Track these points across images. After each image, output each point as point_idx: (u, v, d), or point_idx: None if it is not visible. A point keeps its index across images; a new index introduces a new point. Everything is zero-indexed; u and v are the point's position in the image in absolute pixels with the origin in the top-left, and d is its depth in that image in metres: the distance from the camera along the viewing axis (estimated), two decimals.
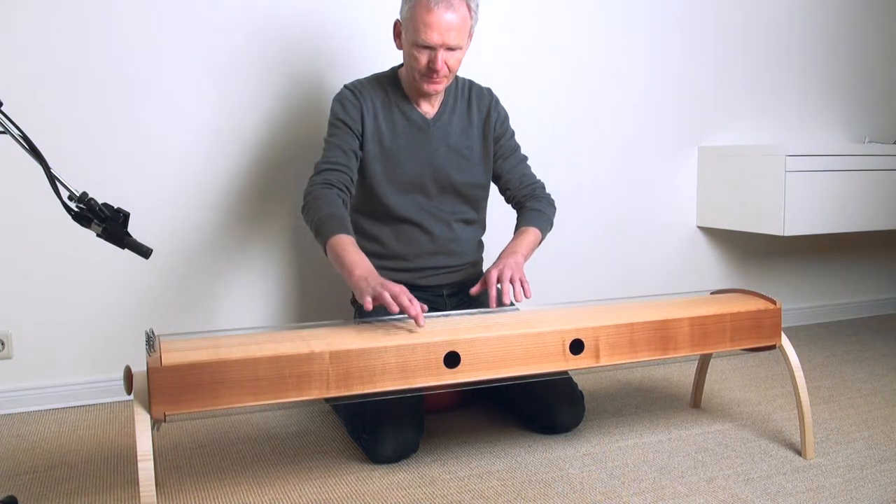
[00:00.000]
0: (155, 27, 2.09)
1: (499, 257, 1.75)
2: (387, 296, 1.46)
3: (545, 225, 1.90)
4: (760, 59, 2.93)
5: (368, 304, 1.47)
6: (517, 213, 1.96)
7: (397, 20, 1.82)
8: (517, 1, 2.50)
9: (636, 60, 2.71)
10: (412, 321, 1.47)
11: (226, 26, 2.16)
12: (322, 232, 1.65)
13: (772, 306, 1.69)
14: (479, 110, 1.95)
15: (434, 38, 1.71)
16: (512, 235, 1.87)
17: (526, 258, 1.78)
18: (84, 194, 1.28)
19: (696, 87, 2.82)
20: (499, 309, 1.66)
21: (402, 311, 1.45)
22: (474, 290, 1.68)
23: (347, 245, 1.61)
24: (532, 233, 1.85)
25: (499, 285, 1.64)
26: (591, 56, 2.64)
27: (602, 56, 2.65)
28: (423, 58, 1.75)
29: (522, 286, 1.63)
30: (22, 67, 1.98)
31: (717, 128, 2.88)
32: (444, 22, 1.70)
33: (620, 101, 2.70)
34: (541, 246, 2.55)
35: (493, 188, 2.05)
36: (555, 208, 1.97)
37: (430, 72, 1.76)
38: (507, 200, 2.01)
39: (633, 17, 2.69)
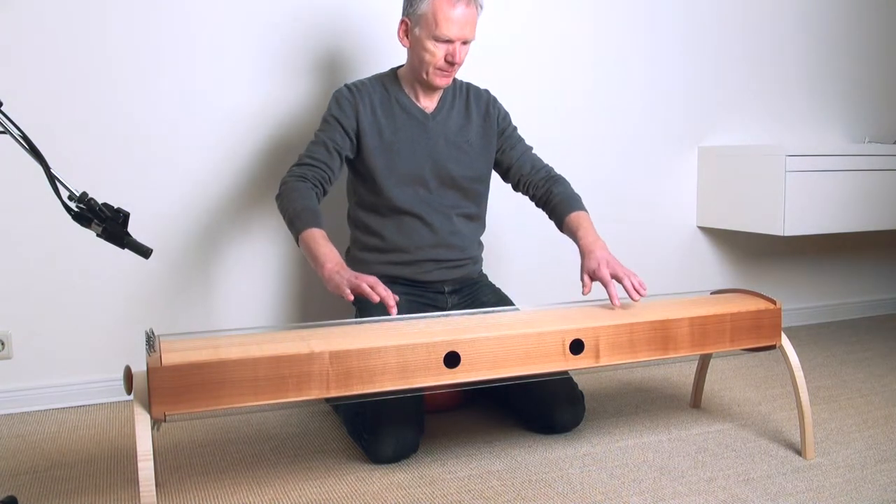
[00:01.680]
0: (156, 27, 2.09)
1: (589, 251, 1.76)
2: (365, 286, 1.52)
3: (583, 205, 1.94)
4: (760, 59, 2.93)
5: (349, 296, 1.53)
6: (545, 200, 1.97)
7: (404, 19, 1.84)
8: (516, 1, 2.50)
9: (636, 61, 2.71)
10: (409, 321, 1.50)
11: (228, 26, 2.16)
12: (295, 224, 1.70)
13: (772, 306, 1.69)
14: (478, 107, 1.98)
15: (454, 31, 1.78)
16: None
17: None
18: (84, 194, 1.28)
19: (696, 87, 2.82)
20: (499, 309, 1.67)
21: (382, 301, 1.51)
22: (586, 290, 1.71)
23: (319, 238, 1.66)
24: (586, 217, 1.89)
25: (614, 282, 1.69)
26: (591, 57, 2.64)
27: (602, 56, 2.65)
28: (441, 51, 1.80)
29: (639, 283, 1.68)
30: (22, 67, 1.98)
31: (717, 128, 2.88)
32: (462, 16, 1.78)
33: (620, 102, 2.70)
34: (540, 246, 2.57)
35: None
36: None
37: (447, 65, 1.81)
38: (524, 190, 2.02)
39: (633, 17, 2.69)
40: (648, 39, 2.72)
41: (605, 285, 1.68)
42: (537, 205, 2.00)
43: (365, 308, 1.85)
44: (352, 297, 1.53)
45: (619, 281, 1.68)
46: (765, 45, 2.93)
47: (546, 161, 2.05)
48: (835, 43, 3.07)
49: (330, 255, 1.62)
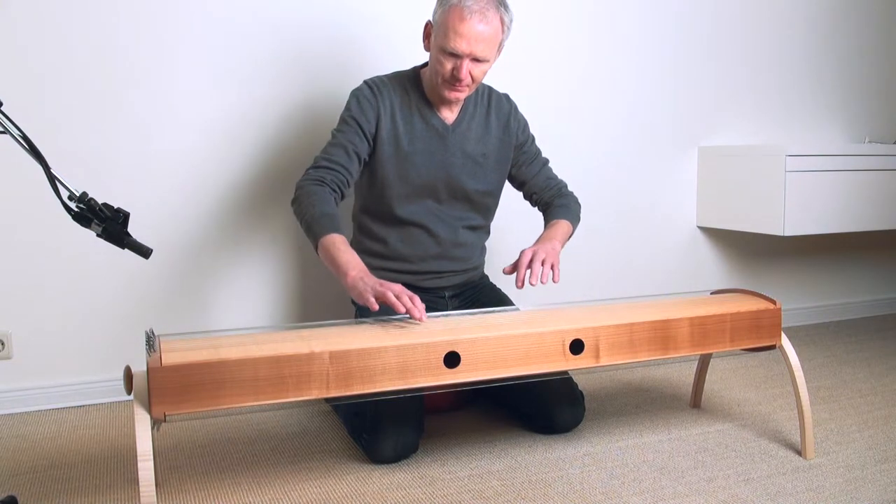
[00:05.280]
0: (156, 26, 2.09)
1: (535, 243, 1.77)
2: (391, 295, 1.47)
3: (574, 219, 1.92)
4: (760, 59, 2.93)
5: (374, 305, 1.47)
6: (545, 209, 1.97)
7: (429, 21, 1.80)
8: (514, 2, 2.50)
9: (636, 61, 2.71)
10: (409, 321, 1.49)
11: (228, 25, 2.16)
12: (313, 230, 1.64)
13: (772, 306, 1.69)
14: (499, 118, 1.93)
15: (462, 46, 1.70)
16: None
17: (562, 245, 1.81)
18: (84, 194, 1.28)
19: (696, 88, 2.82)
20: (499, 309, 1.67)
21: (406, 310, 1.47)
22: (507, 269, 1.69)
23: (340, 244, 1.60)
24: (563, 224, 1.87)
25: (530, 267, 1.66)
26: (591, 56, 2.64)
27: (601, 56, 2.65)
28: (449, 64, 1.73)
29: (552, 269, 1.65)
30: (22, 67, 1.98)
31: (717, 128, 2.88)
32: (474, 32, 1.69)
33: (620, 102, 2.70)
34: None
35: (504, 196, 2.05)
36: (580, 206, 1.99)
37: (454, 80, 1.74)
38: (534, 204, 2.03)
39: (633, 17, 2.69)
40: (648, 40, 2.72)
41: (518, 267, 1.67)
42: (543, 214, 2.00)
43: (365, 308, 1.84)
44: (377, 307, 1.47)
45: (532, 265, 1.66)
46: (765, 45, 2.93)
47: (547, 161, 2.05)
48: (835, 43, 3.07)
49: (353, 262, 1.56)
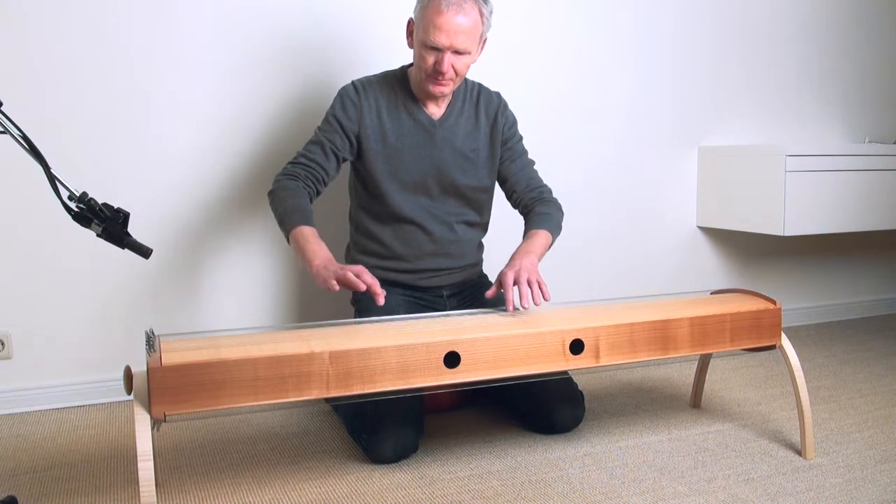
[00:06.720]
0: (155, 25, 2.09)
1: (512, 258, 1.71)
2: (350, 275, 1.51)
3: (555, 228, 1.85)
4: (760, 58, 2.93)
5: (335, 286, 1.51)
6: (525, 216, 1.91)
7: (411, 18, 1.81)
8: (514, 2, 2.50)
9: (636, 60, 2.71)
10: (409, 321, 1.50)
11: (228, 23, 2.16)
12: (285, 223, 1.70)
13: (772, 306, 1.69)
14: (488, 114, 1.93)
15: (442, 39, 1.71)
16: (518, 239, 1.86)
17: (539, 258, 1.74)
18: (84, 194, 1.28)
19: (696, 88, 2.82)
20: (499, 309, 1.67)
21: (369, 289, 1.50)
22: (490, 293, 1.65)
23: (309, 235, 1.65)
24: (543, 235, 1.80)
25: (515, 287, 1.61)
26: (591, 56, 2.64)
27: (601, 56, 2.65)
28: (431, 58, 1.75)
29: (540, 288, 1.60)
30: (22, 67, 1.98)
31: (717, 128, 2.88)
32: (453, 25, 1.70)
33: (620, 102, 2.70)
34: None
35: (498, 191, 2.05)
36: (563, 213, 1.92)
37: (436, 73, 1.75)
38: (514, 204, 1.98)
39: (632, 16, 2.69)
40: (648, 39, 2.72)
41: (504, 289, 1.61)
42: (523, 220, 1.94)
43: (364, 309, 1.84)
44: (337, 287, 1.52)
45: (519, 287, 1.60)
46: (765, 45, 2.93)
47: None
48: (835, 43, 3.07)
49: (319, 252, 1.60)
